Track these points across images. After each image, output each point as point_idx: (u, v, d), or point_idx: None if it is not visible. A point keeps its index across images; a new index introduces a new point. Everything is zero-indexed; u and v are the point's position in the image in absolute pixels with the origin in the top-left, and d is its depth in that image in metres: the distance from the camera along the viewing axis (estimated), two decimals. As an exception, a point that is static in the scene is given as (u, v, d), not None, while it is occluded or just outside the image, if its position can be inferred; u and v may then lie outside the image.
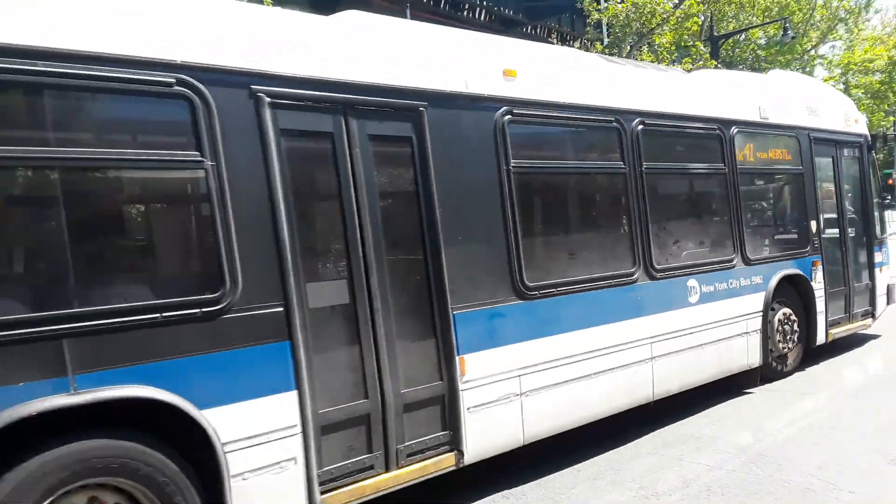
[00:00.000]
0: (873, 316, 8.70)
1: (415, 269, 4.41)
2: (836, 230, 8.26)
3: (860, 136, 8.71)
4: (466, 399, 4.50)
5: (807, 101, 7.92)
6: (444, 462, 4.43)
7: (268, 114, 3.74)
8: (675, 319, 5.95)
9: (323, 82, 4.00)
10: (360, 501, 4.04)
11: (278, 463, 3.69)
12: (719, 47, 22.39)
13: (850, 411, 6.11)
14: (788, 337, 7.27)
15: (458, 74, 4.67)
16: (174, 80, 3.43)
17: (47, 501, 3.01)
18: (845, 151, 8.51)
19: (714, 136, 6.57)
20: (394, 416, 4.19)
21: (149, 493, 3.29)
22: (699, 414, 6.24)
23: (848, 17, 28.96)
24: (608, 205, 5.82)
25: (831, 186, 8.29)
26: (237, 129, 3.64)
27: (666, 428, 5.89)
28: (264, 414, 3.65)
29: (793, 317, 7.33)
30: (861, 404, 6.29)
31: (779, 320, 7.14)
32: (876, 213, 8.89)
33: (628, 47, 22.32)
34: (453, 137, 4.58)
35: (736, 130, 6.76)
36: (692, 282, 6.15)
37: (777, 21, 24.73)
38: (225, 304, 3.53)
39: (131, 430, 3.27)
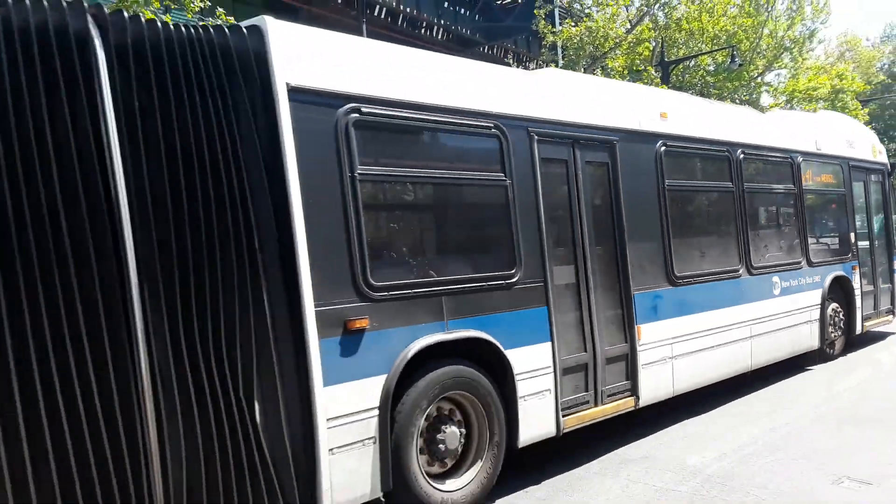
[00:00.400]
0: (893, 313, 10.48)
1: (610, 259, 5.99)
2: (867, 242, 10.01)
3: (884, 164, 10.53)
4: (641, 358, 6.08)
5: (846, 135, 9.71)
6: (628, 404, 5.99)
7: (536, 147, 5.32)
8: (766, 307, 7.61)
9: (561, 123, 5.60)
10: (577, 426, 5.58)
11: (541, 392, 5.23)
12: (670, 72, 23.09)
13: (889, 378, 7.89)
14: (837, 326, 8.97)
15: (634, 116, 6.30)
16: (492, 126, 5.01)
17: (433, 403, 4.53)
18: (872, 177, 10.32)
19: (787, 163, 8.29)
20: (601, 366, 5.75)
21: (476, 403, 4.81)
22: (783, 381, 7.93)
23: (793, 46, 29.20)
24: (722, 215, 7.46)
25: (863, 205, 10.07)
26: (520, 158, 5.21)
27: (765, 388, 7.58)
28: (535, 357, 5.19)
29: (839, 310, 9.05)
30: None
31: (830, 313, 8.84)
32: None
33: (582, 70, 22.70)
34: (631, 163, 6.19)
35: (801, 159, 8.49)
36: (775, 278, 7.82)
37: (725, 49, 25.21)
38: (516, 278, 5.08)
39: (466, 360, 4.80)
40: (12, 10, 3.16)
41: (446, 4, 30.63)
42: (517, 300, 5.10)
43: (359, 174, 4.23)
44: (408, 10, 28.27)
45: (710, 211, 7.56)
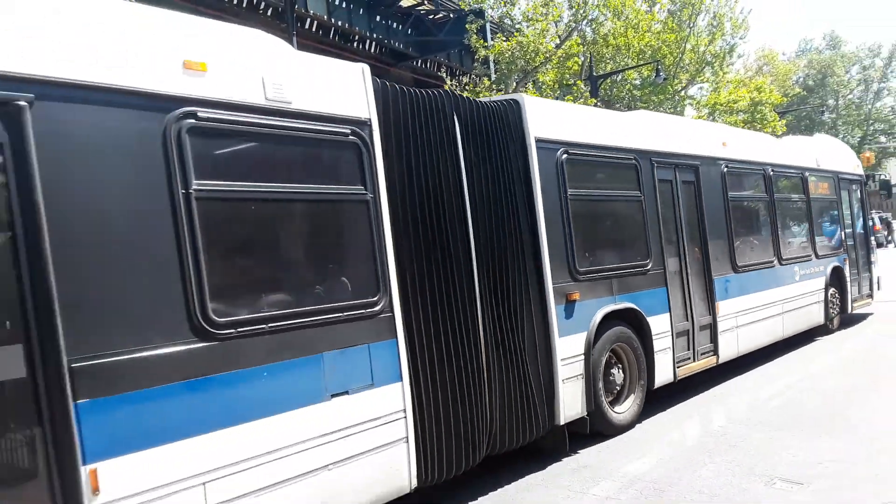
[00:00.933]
0: (871, 296, 12.90)
1: (698, 253, 8.08)
2: (851, 240, 12.39)
3: (861, 176, 12.97)
4: (720, 326, 8.18)
5: (835, 153, 12.09)
6: (711, 361, 8.08)
7: (654, 171, 7.36)
8: (791, 289, 9.83)
9: (669, 154, 7.67)
10: (684, 376, 7.63)
11: (665, 349, 7.28)
12: (598, 86, 23.71)
13: (881, 342, 10.21)
14: (835, 306, 11.27)
15: (708, 145, 8.44)
16: (633, 157, 7.03)
17: (607, 352, 6.51)
18: (853, 186, 12.72)
19: (799, 177, 10.57)
20: (696, 332, 7.83)
21: (630, 354, 6.82)
22: (804, 347, 10.16)
23: (714, 61, 30.16)
24: (762, 218, 9.66)
25: (848, 210, 12.44)
26: (647, 179, 7.25)
27: (795, 351, 9.78)
28: (660, 323, 7.22)
29: (836, 294, 11.36)
30: (883, 340, 10.44)
31: (830, 295, 11.13)
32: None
33: (514, 83, 23.35)
34: (707, 181, 8.31)
35: (808, 174, 10.78)
36: (796, 268, 10.05)
37: (650, 63, 26.09)
38: (649, 266, 7.12)
39: (625, 322, 6.80)
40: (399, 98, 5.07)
41: (378, 18, 30.24)
42: (649, 282, 7.14)
43: (570, 195, 6.22)
44: (339, 23, 27.98)
45: (755, 215, 9.75)
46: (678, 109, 28.82)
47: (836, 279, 11.42)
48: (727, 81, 31.58)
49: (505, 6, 26.29)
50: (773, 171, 9.74)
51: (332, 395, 4.15)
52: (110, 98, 3.39)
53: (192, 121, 3.67)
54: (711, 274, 8.13)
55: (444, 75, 25.46)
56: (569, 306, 6.11)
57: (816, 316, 10.67)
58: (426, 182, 4.97)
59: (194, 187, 3.62)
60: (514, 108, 5.87)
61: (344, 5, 28.68)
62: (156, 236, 3.51)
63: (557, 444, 6.02)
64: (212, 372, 3.63)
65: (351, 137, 4.50)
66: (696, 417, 7.18)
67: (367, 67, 4.73)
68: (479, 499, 5.27)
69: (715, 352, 8.14)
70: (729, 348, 8.39)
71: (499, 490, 5.40)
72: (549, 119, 6.20)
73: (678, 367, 7.50)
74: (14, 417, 3.13)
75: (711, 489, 5.10)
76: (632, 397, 6.89)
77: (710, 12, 29.56)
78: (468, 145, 5.35)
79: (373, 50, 30.24)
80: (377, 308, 4.49)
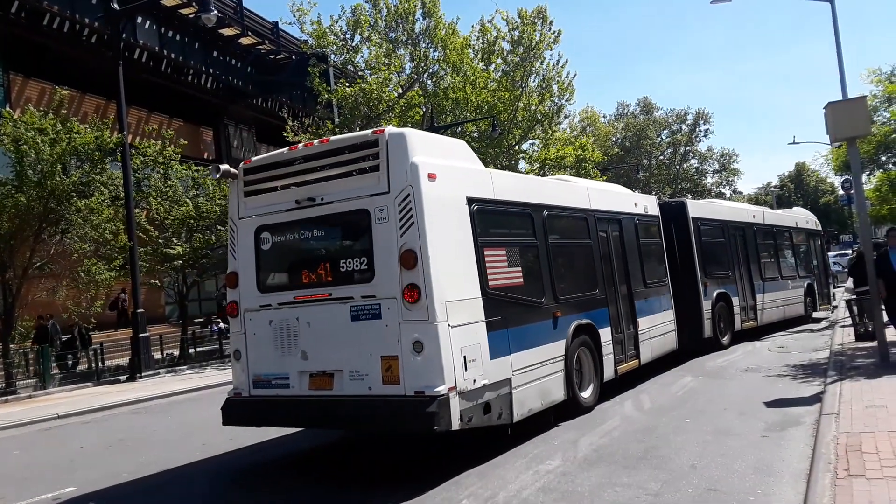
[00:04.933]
0: (829, 305, 21.16)
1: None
2: (814, 271, 20.67)
3: (820, 230, 21.48)
4: (759, 307, 16.25)
5: (807, 217, 20.63)
6: (753, 324, 16.09)
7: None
8: (788, 294, 18.01)
9: (720, 220, 15.86)
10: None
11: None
12: None
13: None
14: (810, 306, 19.43)
15: (748, 215, 16.72)
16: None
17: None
18: (816, 237, 21.15)
19: (791, 231, 18.97)
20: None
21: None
22: (798, 327, 18.27)
23: (543, 119, 31.83)
24: (773, 252, 17.81)
25: (813, 251, 20.78)
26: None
27: (787, 331, 17.86)
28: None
29: (809, 300, 19.54)
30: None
31: (807, 299, 19.30)
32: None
33: (358, 128, 23.11)
34: (750, 236, 16.50)
35: (795, 229, 19.20)
36: (789, 282, 18.26)
37: (486, 118, 27.66)
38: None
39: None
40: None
41: (216, 54, 30.36)
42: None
43: (703, 241, 14.26)
44: (173, 56, 28.25)
45: (771, 250, 17.86)
46: (512, 163, 30.67)
47: (809, 291, 19.64)
48: (555, 139, 33.58)
49: (348, 53, 26.85)
50: (787, 230, 18.37)
51: (665, 310, 12.07)
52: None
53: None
54: (753, 280, 16.21)
55: (286, 116, 25.46)
56: (706, 290, 14.08)
57: (801, 310, 18.83)
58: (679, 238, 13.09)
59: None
60: (680, 205, 14.01)
61: (178, 38, 28.58)
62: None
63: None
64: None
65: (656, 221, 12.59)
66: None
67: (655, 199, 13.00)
68: (562, 424, 9.50)
69: (756, 318, 16.11)
70: (766, 319, 16.40)
71: (543, 433, 7.90)
72: (698, 206, 14.39)
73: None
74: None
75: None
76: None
77: (540, 75, 31.49)
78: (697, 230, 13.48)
79: (209, 85, 31.25)
80: (666, 280, 12.42)
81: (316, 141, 7.75)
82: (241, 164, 8.07)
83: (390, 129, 7.10)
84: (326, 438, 9.07)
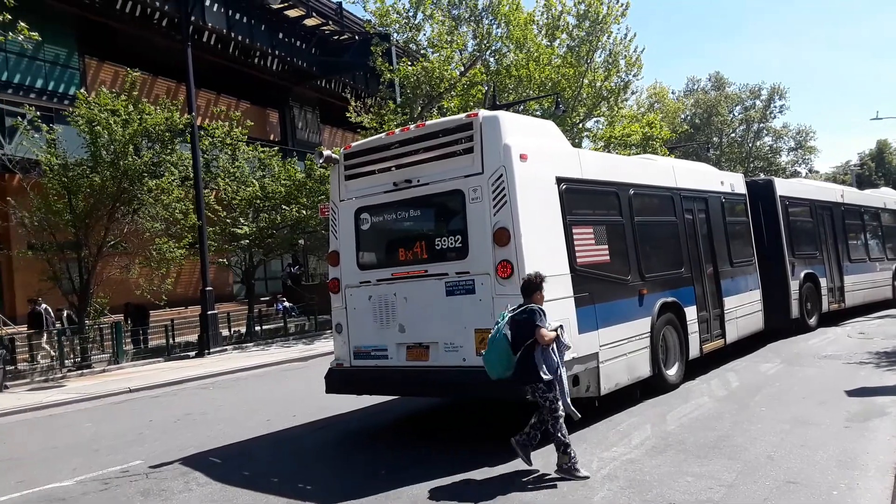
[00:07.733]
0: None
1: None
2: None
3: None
4: (847, 288, 15.50)
5: (895, 197, 19.52)
6: (839, 306, 15.34)
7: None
8: (879, 274, 17.15)
9: (808, 199, 15.11)
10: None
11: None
12: None
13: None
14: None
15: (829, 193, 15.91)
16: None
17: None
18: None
19: (878, 211, 18.07)
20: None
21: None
22: (871, 315, 17.37)
23: (609, 96, 30.58)
24: (855, 233, 16.93)
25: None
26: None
27: (867, 316, 16.97)
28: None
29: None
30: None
31: (895, 283, 18.28)
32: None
33: (419, 108, 23.35)
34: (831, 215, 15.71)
35: (883, 210, 18.22)
36: (877, 264, 17.33)
37: (550, 96, 26.57)
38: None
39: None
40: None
41: (281, 35, 30.38)
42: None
43: (790, 220, 13.63)
44: (240, 38, 28.36)
45: (858, 231, 17.00)
46: (576, 141, 28.69)
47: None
48: (621, 116, 32.19)
49: (410, 31, 26.52)
50: (863, 209, 17.39)
51: (751, 290, 11.68)
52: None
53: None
54: (842, 262, 15.42)
55: (349, 96, 25.36)
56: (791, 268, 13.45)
57: (887, 293, 17.91)
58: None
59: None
60: (768, 183, 13.43)
61: (245, 20, 28.71)
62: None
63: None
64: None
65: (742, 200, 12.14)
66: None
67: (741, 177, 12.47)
68: (643, 401, 8.56)
69: (841, 300, 15.35)
70: (854, 301, 15.59)
71: (637, 405, 8.32)
72: (790, 185, 13.84)
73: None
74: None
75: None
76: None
77: (607, 49, 30.23)
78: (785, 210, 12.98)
79: (274, 67, 31.46)
80: (753, 260, 11.93)
81: (412, 126, 8.17)
82: (341, 149, 8.53)
83: (483, 112, 7.32)
84: (384, 418, 9.08)
